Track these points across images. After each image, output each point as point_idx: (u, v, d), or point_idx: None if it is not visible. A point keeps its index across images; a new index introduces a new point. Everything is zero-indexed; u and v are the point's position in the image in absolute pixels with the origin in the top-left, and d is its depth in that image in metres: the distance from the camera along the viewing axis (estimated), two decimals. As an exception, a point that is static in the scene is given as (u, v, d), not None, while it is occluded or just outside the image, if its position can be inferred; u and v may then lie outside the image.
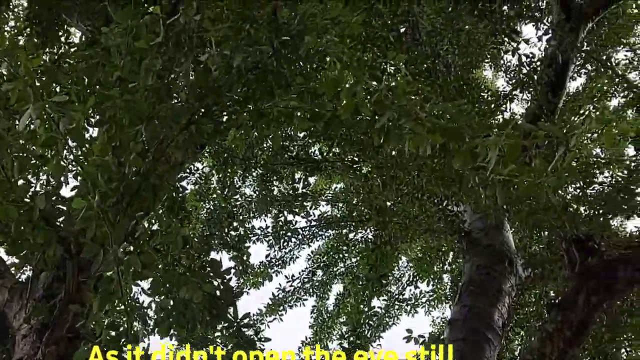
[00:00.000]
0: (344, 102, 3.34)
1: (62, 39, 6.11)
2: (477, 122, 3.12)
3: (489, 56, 9.88)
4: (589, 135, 8.94)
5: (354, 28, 3.58)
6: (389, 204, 8.89)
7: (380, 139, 3.35)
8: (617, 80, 9.98)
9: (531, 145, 2.88)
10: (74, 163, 3.21)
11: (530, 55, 9.01)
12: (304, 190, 10.68)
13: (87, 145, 3.13)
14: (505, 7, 8.11)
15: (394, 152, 6.73)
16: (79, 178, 3.23)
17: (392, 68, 7.46)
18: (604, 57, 10.25)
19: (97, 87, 3.43)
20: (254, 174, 10.65)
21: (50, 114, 2.78)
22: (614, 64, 10.28)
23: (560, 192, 6.27)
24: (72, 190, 3.34)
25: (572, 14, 9.13)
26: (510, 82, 9.75)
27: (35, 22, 5.95)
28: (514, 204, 6.14)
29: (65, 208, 3.52)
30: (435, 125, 3.02)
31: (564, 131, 2.77)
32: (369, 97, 3.33)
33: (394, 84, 3.35)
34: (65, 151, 3.09)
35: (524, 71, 9.00)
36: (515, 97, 9.73)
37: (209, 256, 3.91)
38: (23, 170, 3.23)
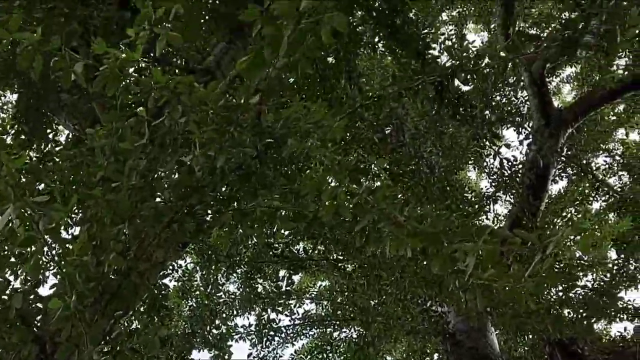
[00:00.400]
0: (326, 204, 3.38)
1: (50, 135, 6.17)
2: (455, 226, 3.16)
3: (472, 158, 10.06)
4: (572, 237, 9.00)
5: (336, 132, 3.65)
6: (372, 303, 8.84)
7: (362, 241, 3.38)
8: (597, 184, 10.16)
9: (509, 251, 2.90)
10: (53, 261, 3.20)
11: (512, 158, 9.19)
12: (288, 289, 10.63)
13: (66, 245, 3.13)
14: (487, 112, 8.32)
15: (377, 252, 6.74)
16: (58, 277, 3.21)
17: (376, 168, 7.55)
18: (584, 162, 10.47)
19: (81, 185, 3.46)
20: (238, 271, 10.61)
21: (30, 214, 2.79)
22: (594, 169, 10.49)
23: (543, 295, 6.27)
24: (50, 288, 3.32)
25: (552, 119, 9.38)
26: (493, 184, 9.90)
27: (23, 120, 6.01)
28: (497, 307, 6.12)
29: (42, 306, 3.48)
30: (415, 229, 3.05)
31: (541, 238, 2.80)
32: (350, 199, 3.38)
33: (378, 183, 3.40)
34: (45, 248, 3.08)
35: (506, 174, 9.15)
36: (498, 198, 9.86)
37: (190, 355, 3.84)
38: (1, 269, 3.21)
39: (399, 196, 3.64)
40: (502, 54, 5.09)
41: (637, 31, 3.71)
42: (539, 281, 2.83)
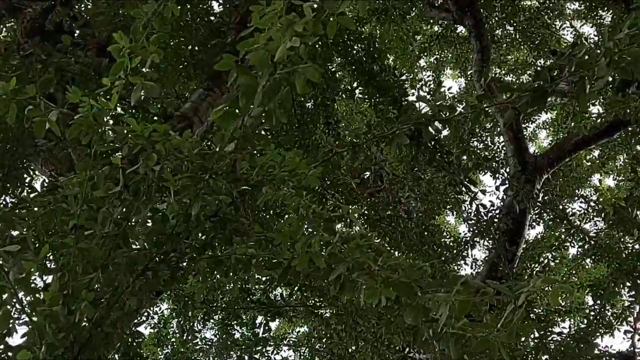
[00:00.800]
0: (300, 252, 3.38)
1: (27, 180, 6.12)
2: (429, 276, 3.17)
3: (449, 203, 10.11)
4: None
5: (311, 180, 3.67)
6: (349, 350, 8.77)
7: (337, 289, 3.37)
8: (573, 230, 10.22)
9: (482, 302, 2.91)
10: (23, 311, 3.16)
11: (489, 203, 9.25)
12: (265, 335, 10.53)
13: (36, 294, 3.09)
14: (463, 158, 8.40)
15: (353, 300, 6.72)
16: (28, 326, 3.17)
17: (355, 214, 7.49)
18: (560, 208, 10.55)
19: (54, 233, 3.43)
20: (215, 317, 10.50)
21: (0, 263, 2.77)
22: (569, 215, 10.57)
23: (519, 342, 6.26)
24: (22, 337, 3.26)
25: (527, 165, 9.48)
26: (471, 229, 9.92)
27: (-2, 165, 5.96)
28: (473, 355, 6.09)
29: (11, 357, 3.42)
30: (388, 278, 3.06)
31: (513, 289, 2.82)
32: (324, 247, 3.39)
33: (355, 230, 3.41)
34: (14, 299, 3.05)
35: (483, 219, 9.19)
36: (476, 243, 9.88)
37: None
38: (-31, 319, 3.16)
39: (377, 242, 3.64)
40: (477, 101, 5.15)
41: (609, 79, 3.77)
42: (511, 331, 2.84)
